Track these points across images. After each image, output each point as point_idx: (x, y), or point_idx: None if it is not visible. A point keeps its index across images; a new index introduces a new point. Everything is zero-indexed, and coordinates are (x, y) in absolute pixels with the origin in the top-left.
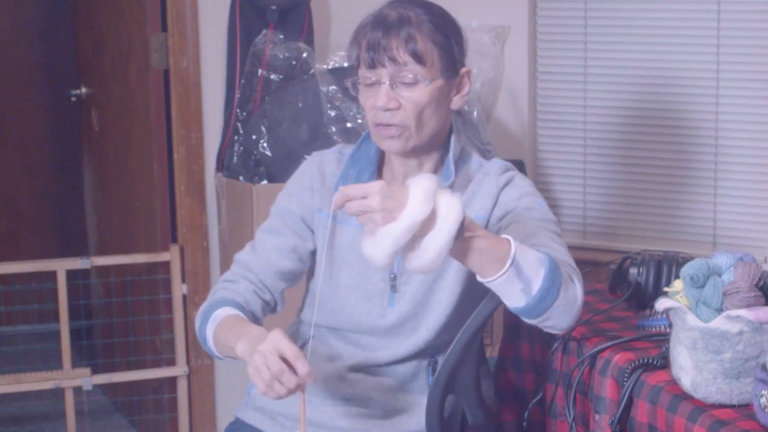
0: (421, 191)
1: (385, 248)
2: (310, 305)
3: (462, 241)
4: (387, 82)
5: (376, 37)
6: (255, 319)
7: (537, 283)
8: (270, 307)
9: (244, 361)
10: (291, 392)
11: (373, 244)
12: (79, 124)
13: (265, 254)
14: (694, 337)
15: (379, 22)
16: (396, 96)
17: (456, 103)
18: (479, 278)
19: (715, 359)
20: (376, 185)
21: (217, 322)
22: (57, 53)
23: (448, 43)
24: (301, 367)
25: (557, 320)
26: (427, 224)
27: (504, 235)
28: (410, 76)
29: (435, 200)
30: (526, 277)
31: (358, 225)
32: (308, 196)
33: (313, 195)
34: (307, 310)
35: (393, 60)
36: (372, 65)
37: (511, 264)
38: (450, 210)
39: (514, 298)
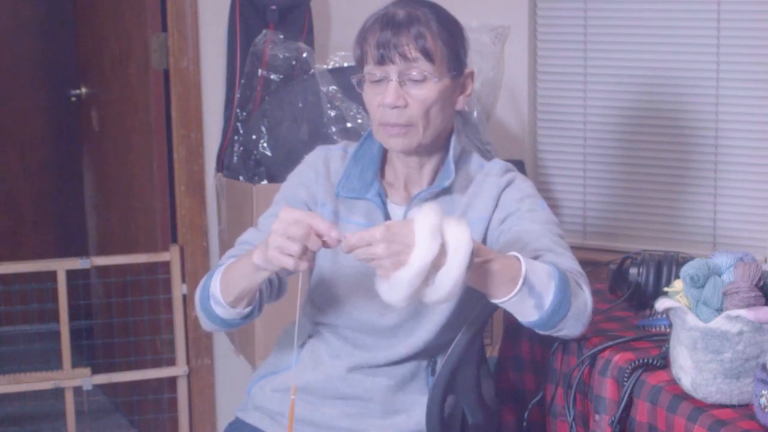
0: (426, 229)
1: (400, 293)
2: (310, 302)
3: (474, 268)
4: (395, 79)
5: (386, 34)
6: (260, 297)
7: (548, 297)
8: (274, 289)
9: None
10: (301, 259)
11: (388, 289)
12: (79, 124)
13: None
14: (694, 337)
15: (389, 20)
16: (404, 93)
17: (460, 103)
18: (492, 300)
19: (715, 359)
20: (378, 231)
21: (222, 270)
22: (57, 53)
23: (454, 42)
24: (326, 227)
25: (570, 329)
26: (438, 260)
27: (512, 253)
28: (418, 73)
29: (442, 233)
30: (537, 293)
31: (358, 224)
32: (314, 186)
33: (318, 187)
34: (308, 307)
35: (403, 56)
36: (381, 61)
37: (524, 283)
38: (460, 242)
39: (527, 314)
